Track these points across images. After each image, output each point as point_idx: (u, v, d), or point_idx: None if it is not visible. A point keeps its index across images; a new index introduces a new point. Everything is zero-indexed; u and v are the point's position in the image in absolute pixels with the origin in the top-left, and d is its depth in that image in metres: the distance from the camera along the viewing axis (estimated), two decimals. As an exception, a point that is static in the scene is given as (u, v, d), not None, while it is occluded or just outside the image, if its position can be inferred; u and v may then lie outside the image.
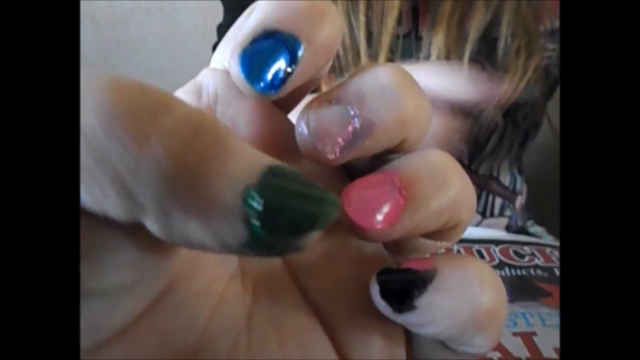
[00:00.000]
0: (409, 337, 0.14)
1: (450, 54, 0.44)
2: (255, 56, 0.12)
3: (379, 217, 0.12)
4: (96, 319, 0.10)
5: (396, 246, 0.14)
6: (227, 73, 0.13)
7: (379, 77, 0.12)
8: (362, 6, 0.44)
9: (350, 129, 0.12)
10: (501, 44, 0.45)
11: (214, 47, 0.56)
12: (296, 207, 0.09)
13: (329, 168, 0.13)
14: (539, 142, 0.55)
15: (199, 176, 0.08)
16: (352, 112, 0.12)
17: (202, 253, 0.11)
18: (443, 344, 0.13)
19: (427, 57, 0.45)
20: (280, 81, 0.12)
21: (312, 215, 0.09)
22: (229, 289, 0.13)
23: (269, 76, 0.12)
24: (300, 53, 0.12)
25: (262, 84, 0.12)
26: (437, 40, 0.44)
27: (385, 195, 0.12)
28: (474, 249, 0.42)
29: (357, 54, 0.45)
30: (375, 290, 0.12)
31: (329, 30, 0.12)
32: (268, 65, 0.12)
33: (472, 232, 0.49)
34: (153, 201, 0.08)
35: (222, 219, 0.08)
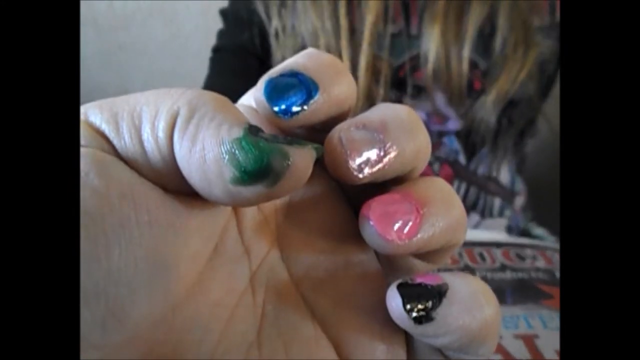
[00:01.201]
0: (409, 348, 0.15)
1: (449, 49, 0.44)
2: (277, 85, 0.14)
3: (400, 230, 0.13)
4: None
5: (392, 265, 0.16)
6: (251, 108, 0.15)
7: (399, 112, 0.14)
8: (342, 7, 0.45)
9: (377, 150, 0.14)
10: (498, 39, 0.45)
11: (214, 50, 0.56)
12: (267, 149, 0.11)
13: (330, 189, 0.15)
14: (541, 143, 0.55)
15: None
16: (378, 137, 0.14)
17: (216, 267, 0.13)
18: (441, 354, 0.14)
19: (425, 54, 0.45)
20: (291, 113, 0.14)
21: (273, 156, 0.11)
22: (240, 303, 0.14)
23: (284, 106, 0.14)
24: (314, 97, 0.14)
25: (276, 108, 0.14)
26: (434, 36, 0.44)
27: (405, 211, 0.13)
28: (475, 252, 0.42)
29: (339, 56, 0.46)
30: (396, 302, 0.13)
31: (344, 87, 0.14)
32: (286, 96, 0.14)
33: (473, 234, 0.49)
34: (186, 107, 0.12)
35: (228, 123, 0.11)
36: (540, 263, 0.40)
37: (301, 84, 0.14)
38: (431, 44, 0.44)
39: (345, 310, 0.14)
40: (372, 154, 0.14)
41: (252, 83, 0.15)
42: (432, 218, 0.13)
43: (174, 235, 0.12)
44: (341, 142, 0.14)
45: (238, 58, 0.53)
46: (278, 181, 0.11)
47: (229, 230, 0.14)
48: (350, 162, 0.13)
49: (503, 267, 0.39)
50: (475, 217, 0.53)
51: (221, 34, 0.56)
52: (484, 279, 0.38)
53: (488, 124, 0.48)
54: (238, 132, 0.11)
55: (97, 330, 0.10)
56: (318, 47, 0.47)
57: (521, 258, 0.41)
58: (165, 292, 0.12)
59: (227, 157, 0.11)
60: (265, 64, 0.52)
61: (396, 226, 0.13)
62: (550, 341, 0.31)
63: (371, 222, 0.13)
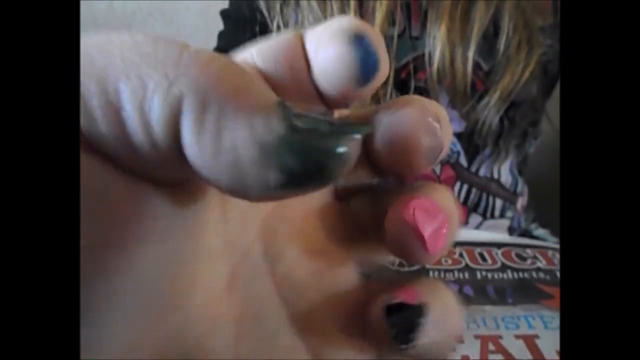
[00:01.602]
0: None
1: (454, 50, 0.44)
2: (364, 45, 0.12)
3: (437, 243, 0.13)
4: None
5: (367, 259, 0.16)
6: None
7: (439, 111, 0.13)
8: (353, 5, 0.44)
9: (435, 141, 0.13)
10: (502, 38, 0.44)
11: (215, 51, 0.56)
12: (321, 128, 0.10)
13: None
14: (543, 143, 0.55)
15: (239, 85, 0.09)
16: (437, 127, 0.13)
17: (200, 262, 0.12)
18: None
19: (429, 54, 0.45)
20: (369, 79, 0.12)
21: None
22: (219, 310, 0.13)
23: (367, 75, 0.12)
24: (378, 65, 0.12)
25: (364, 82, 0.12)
26: (440, 36, 0.44)
27: (441, 223, 0.13)
28: (476, 252, 0.42)
29: None
30: (379, 322, 0.13)
31: (383, 52, 0.13)
32: (371, 59, 0.12)
33: (474, 234, 0.49)
34: (194, 93, 0.09)
35: (260, 114, 0.09)
36: (541, 263, 0.40)
37: (372, 52, 0.12)
38: (436, 44, 0.44)
39: (324, 321, 0.14)
40: (432, 143, 0.13)
41: None
42: (451, 235, 0.14)
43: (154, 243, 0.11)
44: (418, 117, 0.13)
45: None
46: (331, 180, 0.10)
47: (213, 222, 0.13)
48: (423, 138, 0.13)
49: (504, 267, 0.39)
50: (477, 218, 0.53)
51: (221, 36, 0.56)
52: (485, 279, 0.38)
53: (491, 125, 0.47)
54: (279, 127, 0.09)
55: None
56: None
57: (522, 258, 0.41)
58: (146, 312, 0.11)
59: (270, 160, 0.09)
60: None
61: (435, 238, 0.13)
62: (551, 341, 0.31)
63: (412, 229, 0.13)
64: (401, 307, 0.13)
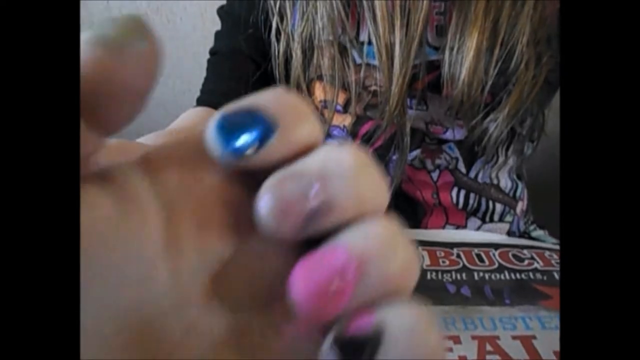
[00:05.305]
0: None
1: (479, 62, 0.42)
2: (230, 123, 0.13)
3: (328, 303, 0.12)
4: None
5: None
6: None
7: (342, 157, 0.13)
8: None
9: (310, 207, 0.12)
10: (515, 55, 0.43)
11: (211, 52, 0.56)
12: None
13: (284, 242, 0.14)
14: (540, 144, 0.55)
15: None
16: (313, 191, 0.12)
17: (146, 315, 0.12)
18: None
19: (460, 62, 0.43)
20: (242, 153, 0.12)
21: None
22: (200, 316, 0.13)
23: (235, 145, 0.12)
24: (270, 139, 0.12)
25: (226, 148, 0.12)
26: (473, 47, 0.42)
27: (332, 278, 0.12)
28: (473, 253, 0.42)
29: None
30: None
31: (305, 131, 0.13)
32: (237, 135, 0.12)
33: (471, 235, 0.49)
34: None
35: None
36: (538, 264, 0.40)
37: (258, 122, 0.13)
38: (464, 55, 0.43)
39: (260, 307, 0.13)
40: (304, 212, 0.12)
41: (247, 87, 0.14)
42: (366, 279, 0.12)
43: (91, 284, 0.11)
44: (270, 200, 0.12)
45: (233, 62, 0.52)
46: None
47: (158, 278, 0.13)
48: (279, 223, 0.12)
49: (501, 268, 0.40)
50: (475, 222, 0.53)
51: (218, 36, 0.55)
52: (482, 279, 0.38)
53: (496, 138, 0.47)
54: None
55: None
56: (320, 48, 0.47)
57: (519, 259, 0.41)
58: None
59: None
60: (261, 67, 0.51)
61: (323, 298, 0.12)
62: (548, 342, 0.31)
63: (295, 295, 0.12)
64: (351, 339, 0.12)
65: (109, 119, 0.12)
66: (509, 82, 0.44)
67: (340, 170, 0.13)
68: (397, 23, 0.43)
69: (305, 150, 0.13)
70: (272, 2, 0.48)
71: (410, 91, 0.46)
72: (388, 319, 0.12)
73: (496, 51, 0.42)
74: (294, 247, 0.13)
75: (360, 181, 0.13)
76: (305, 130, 0.13)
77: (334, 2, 0.45)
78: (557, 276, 0.39)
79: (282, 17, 0.48)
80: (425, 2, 0.42)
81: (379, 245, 0.13)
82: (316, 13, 0.45)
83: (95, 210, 0.11)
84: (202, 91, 0.53)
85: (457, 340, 0.31)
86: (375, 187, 0.13)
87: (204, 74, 0.55)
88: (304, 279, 0.12)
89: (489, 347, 0.31)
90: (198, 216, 0.13)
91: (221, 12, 0.55)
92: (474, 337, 0.32)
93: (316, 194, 0.12)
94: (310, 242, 0.13)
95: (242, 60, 0.52)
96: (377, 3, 0.43)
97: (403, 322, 0.12)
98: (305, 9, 0.46)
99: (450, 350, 0.31)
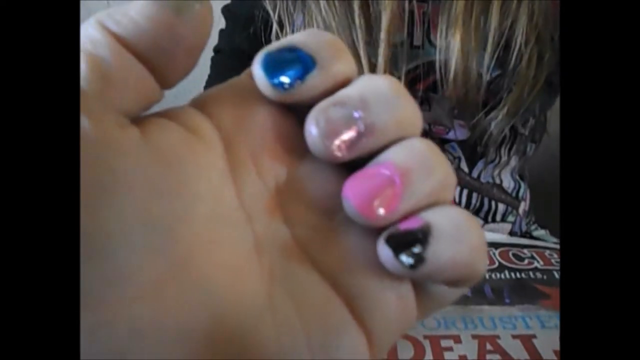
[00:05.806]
0: (417, 293, 0.15)
1: (470, 59, 0.42)
2: (275, 59, 0.14)
3: (381, 206, 0.13)
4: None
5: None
6: None
7: (379, 85, 0.14)
8: (356, 7, 0.43)
9: (355, 129, 0.14)
10: (514, 52, 0.43)
11: (215, 50, 0.56)
12: None
13: (333, 164, 0.15)
14: (541, 144, 0.55)
15: None
16: (356, 115, 0.14)
17: (216, 231, 0.13)
18: (446, 288, 0.15)
19: (441, 63, 0.43)
20: (288, 86, 0.14)
21: None
22: (246, 267, 0.14)
23: (281, 79, 0.14)
24: (311, 72, 0.14)
25: (273, 81, 0.14)
26: (456, 45, 0.42)
27: (384, 186, 0.13)
28: (473, 252, 0.42)
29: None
30: (387, 254, 0.13)
31: (342, 66, 0.14)
32: (283, 70, 0.14)
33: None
34: None
35: None
36: (539, 263, 0.40)
37: (299, 59, 0.14)
38: (450, 53, 0.43)
39: (352, 267, 0.14)
40: (351, 133, 0.14)
41: None
42: (412, 186, 0.13)
43: (168, 196, 0.12)
44: (318, 123, 0.14)
45: (236, 61, 0.52)
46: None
47: (226, 196, 0.14)
48: (328, 144, 0.14)
49: (501, 267, 0.40)
50: (478, 221, 0.53)
51: (222, 34, 0.55)
52: (482, 279, 0.38)
53: (497, 137, 0.47)
54: None
55: (103, 287, 0.11)
56: None
57: (519, 258, 0.41)
58: (163, 254, 0.12)
59: None
60: None
61: (376, 202, 0.13)
62: (548, 341, 0.31)
63: (351, 202, 0.13)
64: (402, 233, 0.13)
65: (168, 71, 0.13)
66: (509, 81, 0.44)
67: (378, 95, 0.14)
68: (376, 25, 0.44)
69: (344, 83, 0.14)
70: (270, 11, 0.47)
71: (412, 92, 0.46)
72: (435, 218, 0.13)
73: (488, 50, 0.42)
74: (344, 171, 0.15)
75: (397, 105, 0.14)
76: (342, 64, 0.14)
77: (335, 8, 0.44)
78: (557, 276, 0.39)
79: (281, 25, 0.47)
80: (391, 2, 0.42)
81: (421, 157, 0.14)
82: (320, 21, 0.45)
83: (170, 134, 0.13)
84: (205, 89, 0.53)
85: (457, 339, 0.31)
86: (411, 110, 0.14)
87: (207, 72, 0.55)
88: (357, 187, 0.14)
89: (489, 347, 0.31)
90: (253, 145, 0.15)
91: (225, 11, 0.55)
92: (474, 336, 0.32)
93: (359, 116, 0.14)
94: (358, 167, 0.14)
95: (245, 60, 0.52)
96: (356, 3, 0.43)
97: (449, 219, 0.13)
98: (308, 20, 0.45)
99: (451, 349, 0.31)
